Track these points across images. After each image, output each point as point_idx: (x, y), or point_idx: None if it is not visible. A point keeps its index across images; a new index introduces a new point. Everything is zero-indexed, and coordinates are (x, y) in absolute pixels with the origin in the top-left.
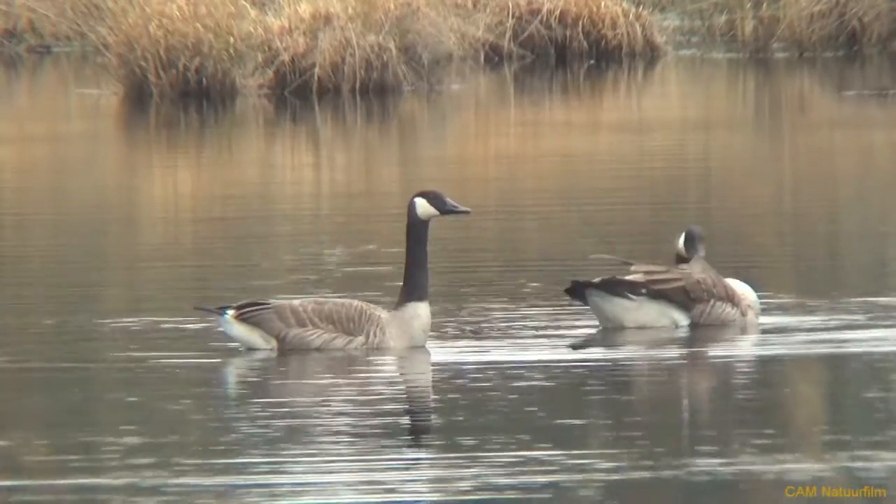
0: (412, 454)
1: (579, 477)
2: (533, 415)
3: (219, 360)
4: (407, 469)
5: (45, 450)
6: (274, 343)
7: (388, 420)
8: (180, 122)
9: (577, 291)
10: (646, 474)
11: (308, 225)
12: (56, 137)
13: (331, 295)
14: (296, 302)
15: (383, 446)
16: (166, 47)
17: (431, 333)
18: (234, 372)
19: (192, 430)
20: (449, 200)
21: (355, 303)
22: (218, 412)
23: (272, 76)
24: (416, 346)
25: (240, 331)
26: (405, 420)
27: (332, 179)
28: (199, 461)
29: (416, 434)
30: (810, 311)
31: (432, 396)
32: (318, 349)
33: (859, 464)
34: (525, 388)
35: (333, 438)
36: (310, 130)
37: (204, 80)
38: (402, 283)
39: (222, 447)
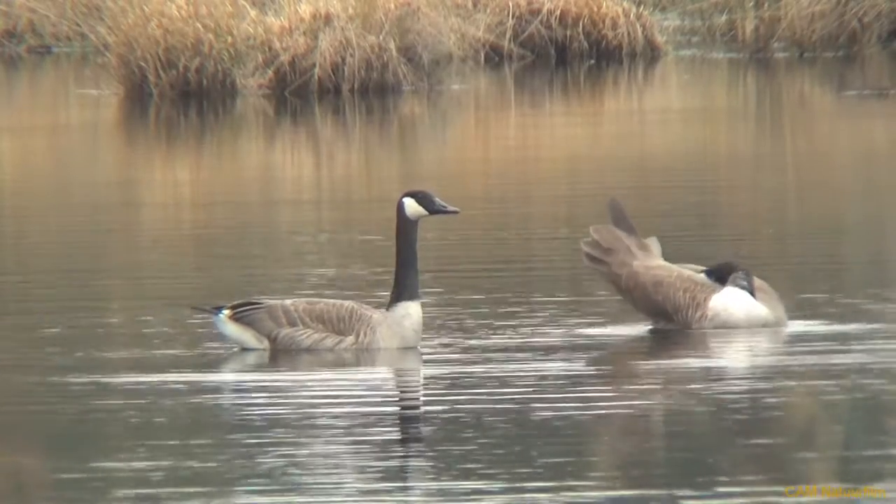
0: (401, 481)
1: (575, 494)
2: (530, 429)
3: (208, 370)
4: (397, 494)
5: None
6: (266, 343)
7: (377, 448)
8: (180, 122)
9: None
10: (642, 486)
11: (308, 224)
12: (56, 137)
13: (328, 294)
14: (288, 302)
15: (375, 473)
16: (166, 47)
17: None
18: (220, 388)
19: (171, 453)
20: (438, 200)
21: (347, 303)
22: (201, 437)
23: (272, 76)
24: (407, 347)
25: (233, 330)
26: (396, 440)
27: (332, 179)
28: (179, 489)
29: (407, 457)
30: (810, 314)
31: (423, 408)
32: (308, 349)
33: (860, 465)
34: (522, 393)
35: (326, 467)
36: (310, 130)
37: (204, 80)
38: (392, 284)
39: (204, 476)
